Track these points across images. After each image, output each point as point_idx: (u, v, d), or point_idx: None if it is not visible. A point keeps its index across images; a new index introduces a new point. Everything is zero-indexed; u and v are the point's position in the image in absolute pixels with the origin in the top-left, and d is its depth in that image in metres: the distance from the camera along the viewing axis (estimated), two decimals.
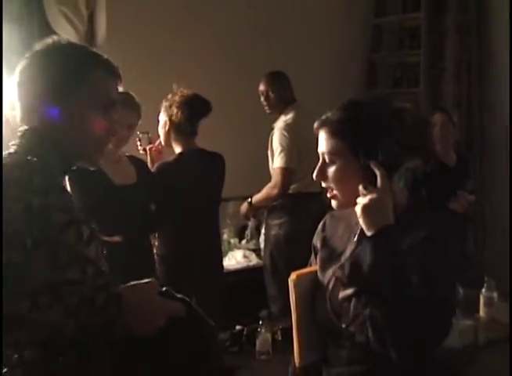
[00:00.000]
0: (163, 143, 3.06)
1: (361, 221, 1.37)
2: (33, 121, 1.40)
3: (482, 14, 4.96)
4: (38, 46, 1.44)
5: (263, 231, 4.12)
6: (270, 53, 4.45)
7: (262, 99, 3.89)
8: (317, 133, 1.49)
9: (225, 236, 4.26)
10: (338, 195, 1.46)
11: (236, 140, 4.17)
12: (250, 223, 4.37)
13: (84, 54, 1.45)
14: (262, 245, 4.16)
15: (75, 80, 1.39)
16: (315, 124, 1.49)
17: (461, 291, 2.79)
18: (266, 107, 3.90)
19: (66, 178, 1.51)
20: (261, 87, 3.89)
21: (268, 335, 2.39)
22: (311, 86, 4.49)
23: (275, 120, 3.87)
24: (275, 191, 3.68)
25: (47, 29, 3.78)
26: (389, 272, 1.31)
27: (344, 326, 1.42)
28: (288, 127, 3.71)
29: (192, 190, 2.92)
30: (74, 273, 1.29)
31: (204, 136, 3.05)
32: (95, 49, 1.49)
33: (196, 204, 2.96)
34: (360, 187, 1.38)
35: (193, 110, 2.91)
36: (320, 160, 1.48)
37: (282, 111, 3.83)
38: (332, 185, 1.46)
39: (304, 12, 4.76)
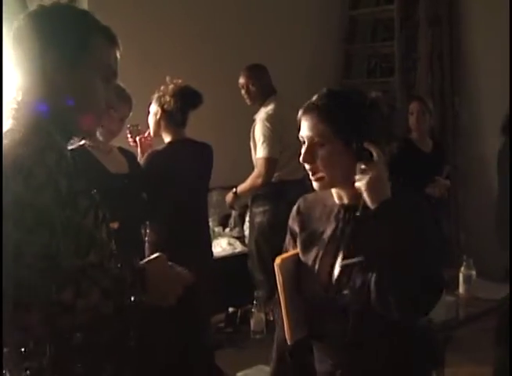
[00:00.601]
0: (152, 133, 3.08)
1: (365, 195, 1.47)
2: (29, 93, 1.28)
3: (453, 6, 5.13)
4: (35, 7, 1.30)
5: (247, 219, 4.21)
6: (252, 47, 4.55)
7: (243, 91, 3.97)
8: (302, 119, 1.56)
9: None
10: (326, 176, 1.55)
11: (218, 131, 4.24)
12: (234, 212, 4.47)
13: (84, 19, 1.32)
14: (246, 233, 4.26)
15: (75, 47, 1.28)
16: (301, 111, 1.57)
17: None
18: (247, 100, 3.99)
19: None
20: (241, 80, 3.97)
21: (262, 315, 2.49)
22: (289, 77, 4.60)
23: (256, 111, 3.96)
24: (260, 180, 3.79)
25: None
26: (393, 240, 1.43)
27: (345, 292, 1.52)
28: (270, 117, 3.80)
29: (182, 179, 2.98)
30: (96, 257, 1.30)
31: (188, 127, 3.09)
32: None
33: (186, 193, 3.02)
34: (359, 164, 1.48)
35: (186, 100, 2.96)
36: (306, 144, 1.55)
37: (262, 103, 3.93)
38: (320, 167, 1.54)
39: (282, 6, 4.86)
